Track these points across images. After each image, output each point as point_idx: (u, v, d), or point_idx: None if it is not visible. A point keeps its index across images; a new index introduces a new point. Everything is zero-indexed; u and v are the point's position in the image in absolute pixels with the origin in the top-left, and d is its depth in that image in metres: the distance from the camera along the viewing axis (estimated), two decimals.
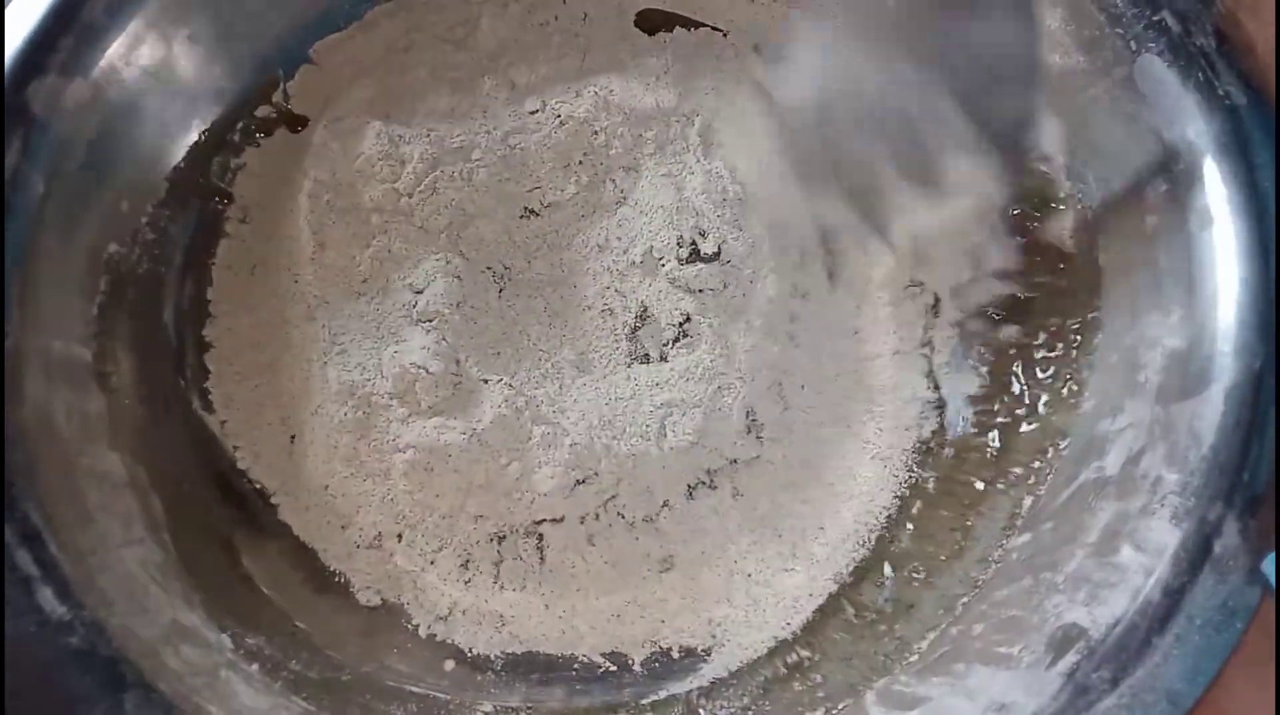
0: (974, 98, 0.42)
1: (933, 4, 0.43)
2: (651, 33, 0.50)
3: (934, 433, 0.46)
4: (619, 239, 0.47)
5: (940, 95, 0.42)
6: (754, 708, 0.42)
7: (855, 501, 0.45)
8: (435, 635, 0.43)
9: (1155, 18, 0.40)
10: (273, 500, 0.44)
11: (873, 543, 0.45)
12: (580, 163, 0.47)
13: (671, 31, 0.50)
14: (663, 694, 0.42)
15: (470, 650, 0.43)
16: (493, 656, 0.43)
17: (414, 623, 0.44)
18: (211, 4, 0.43)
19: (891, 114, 0.43)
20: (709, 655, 0.43)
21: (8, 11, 0.38)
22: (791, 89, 0.47)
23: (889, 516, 0.45)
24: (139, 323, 0.42)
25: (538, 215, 0.47)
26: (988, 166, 0.43)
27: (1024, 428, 0.44)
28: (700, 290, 0.47)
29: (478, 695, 0.42)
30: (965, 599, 0.42)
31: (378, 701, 0.41)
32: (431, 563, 0.44)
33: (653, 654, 0.43)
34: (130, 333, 0.41)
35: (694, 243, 0.47)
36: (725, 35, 0.51)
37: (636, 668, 0.43)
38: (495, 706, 0.42)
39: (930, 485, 0.46)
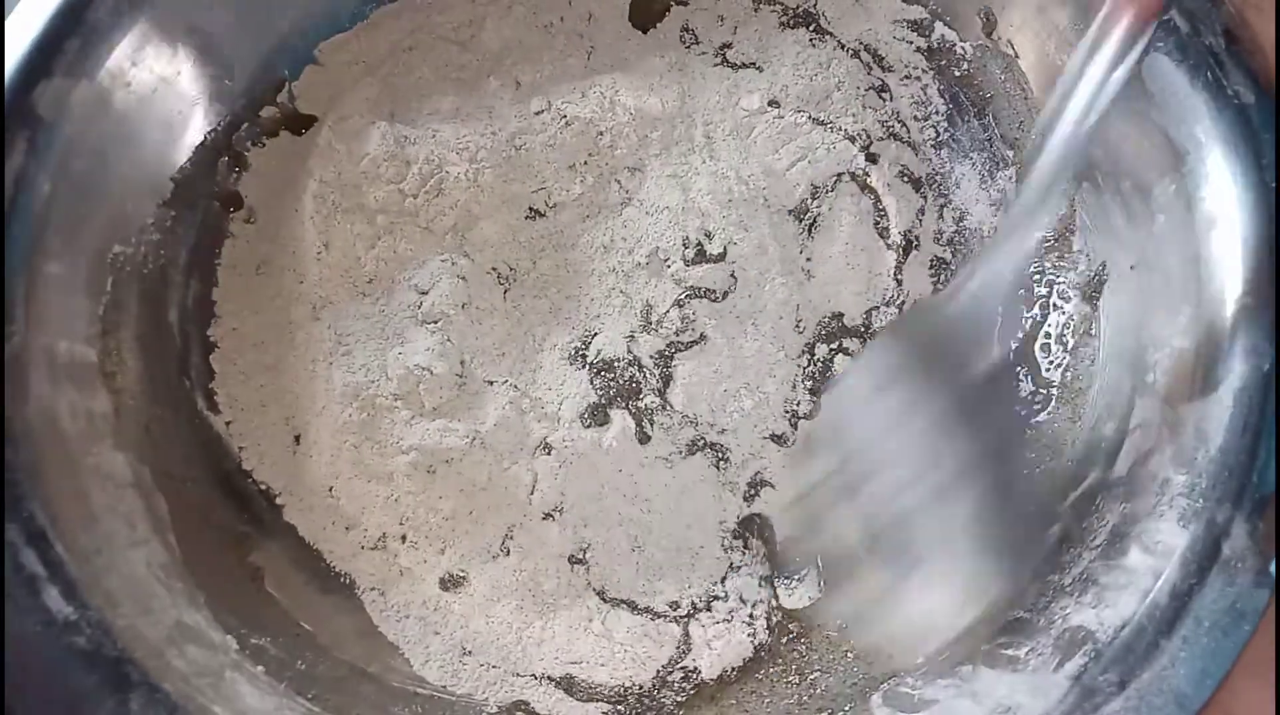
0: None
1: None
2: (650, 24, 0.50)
3: None
4: (624, 240, 0.47)
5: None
6: (759, 709, 0.42)
7: None
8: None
9: (1164, 17, 0.39)
10: (277, 501, 0.44)
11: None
12: (585, 163, 0.47)
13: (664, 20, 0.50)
14: (666, 694, 0.42)
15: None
16: None
17: None
18: (216, 5, 0.43)
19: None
20: (713, 657, 0.43)
21: (14, 13, 0.38)
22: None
23: None
24: (144, 323, 0.42)
25: (543, 216, 0.47)
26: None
27: (1031, 429, 0.44)
28: (706, 291, 0.46)
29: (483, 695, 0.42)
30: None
31: (383, 701, 0.41)
32: (435, 565, 0.44)
33: None
34: (135, 333, 0.41)
35: (700, 244, 0.47)
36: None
37: None
38: (500, 706, 0.41)
39: None
